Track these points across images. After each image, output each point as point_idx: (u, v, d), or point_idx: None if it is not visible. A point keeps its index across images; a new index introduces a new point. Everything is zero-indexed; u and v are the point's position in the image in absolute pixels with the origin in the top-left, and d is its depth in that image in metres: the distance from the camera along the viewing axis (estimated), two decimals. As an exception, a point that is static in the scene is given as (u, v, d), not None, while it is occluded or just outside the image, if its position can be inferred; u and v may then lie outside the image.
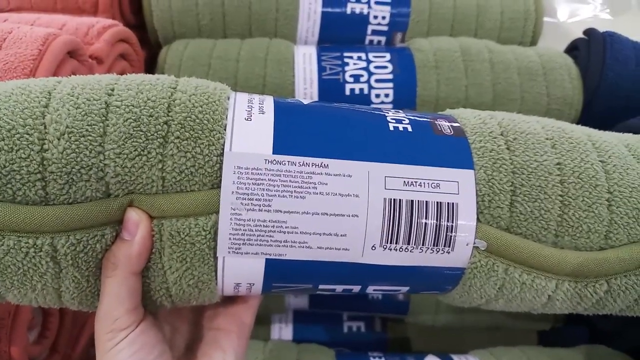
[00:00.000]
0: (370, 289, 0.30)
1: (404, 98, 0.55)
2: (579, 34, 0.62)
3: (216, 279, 0.27)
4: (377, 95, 0.55)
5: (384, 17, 0.59)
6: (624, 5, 0.80)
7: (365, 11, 0.58)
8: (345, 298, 0.54)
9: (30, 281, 0.26)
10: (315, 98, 0.54)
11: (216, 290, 0.28)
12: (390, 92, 0.54)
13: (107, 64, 0.48)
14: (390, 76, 0.55)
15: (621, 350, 0.47)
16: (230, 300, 0.32)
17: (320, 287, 0.29)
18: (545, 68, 0.56)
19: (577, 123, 0.58)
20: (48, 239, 0.25)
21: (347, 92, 0.54)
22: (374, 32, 0.60)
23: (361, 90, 0.54)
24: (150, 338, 0.27)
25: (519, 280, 0.29)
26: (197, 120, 0.27)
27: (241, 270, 0.27)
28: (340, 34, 0.59)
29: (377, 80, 0.55)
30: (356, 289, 0.30)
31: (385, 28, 0.60)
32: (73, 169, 0.25)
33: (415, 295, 0.52)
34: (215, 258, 0.26)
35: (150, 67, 0.57)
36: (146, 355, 0.27)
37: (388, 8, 0.59)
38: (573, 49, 0.62)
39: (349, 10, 0.58)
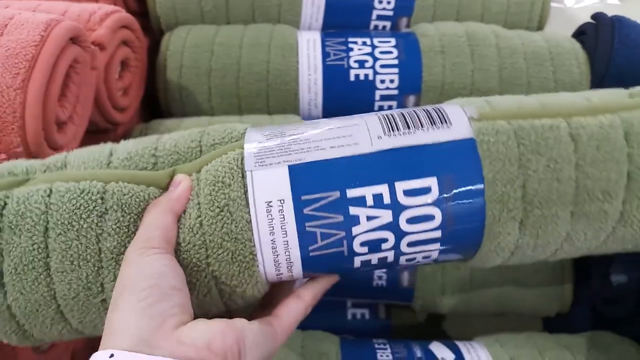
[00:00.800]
0: (399, 195, 0.30)
1: (410, 83, 0.54)
2: (585, 18, 0.61)
3: (246, 199, 0.29)
4: (382, 81, 0.54)
5: (389, 2, 0.58)
6: (632, -11, 0.79)
7: (369, -4, 0.58)
8: (349, 285, 0.54)
9: (78, 221, 0.29)
10: (320, 84, 0.54)
11: (249, 216, 0.29)
12: (396, 77, 0.54)
13: (109, 51, 0.48)
14: (395, 61, 0.54)
15: (628, 337, 0.47)
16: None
17: (349, 194, 0.29)
18: (552, 53, 0.56)
19: (584, 109, 0.57)
20: (101, 183, 0.30)
21: (352, 78, 0.54)
22: (379, 17, 0.59)
23: (366, 75, 0.54)
24: (177, 268, 0.28)
25: (530, 125, 0.31)
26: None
27: (269, 182, 0.30)
28: (344, 19, 0.59)
29: (382, 66, 0.54)
30: (386, 195, 0.30)
31: (390, 13, 0.59)
32: (132, 151, 0.32)
33: (421, 281, 0.52)
34: (244, 176, 0.30)
35: (153, 54, 0.57)
36: (172, 278, 0.27)
37: (392, -8, 0.58)
38: (580, 34, 0.61)
39: (353, -5, 0.58)
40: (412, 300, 0.54)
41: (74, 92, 0.42)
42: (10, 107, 0.36)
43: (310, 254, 0.30)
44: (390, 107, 0.55)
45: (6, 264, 0.29)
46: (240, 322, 0.27)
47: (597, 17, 0.59)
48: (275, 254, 0.30)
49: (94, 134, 0.51)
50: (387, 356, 0.44)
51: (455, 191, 0.30)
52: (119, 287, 0.26)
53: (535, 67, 0.55)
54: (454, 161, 0.30)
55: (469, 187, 0.30)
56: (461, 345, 0.46)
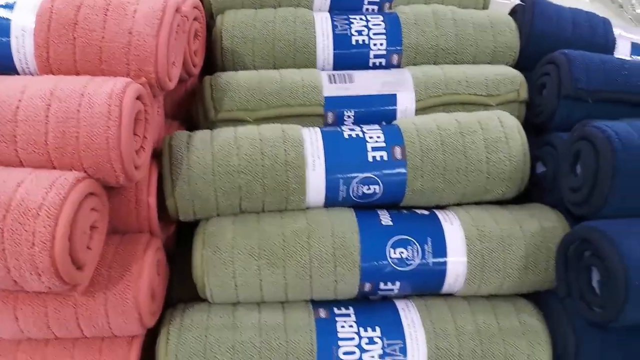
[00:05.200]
0: None
1: (393, 45, 0.77)
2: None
3: None
4: (375, 44, 0.77)
5: (375, -8, 0.82)
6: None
7: (362, -13, 0.81)
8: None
9: None
10: (331, 48, 0.76)
11: None
12: (384, 41, 0.77)
13: (189, 22, 0.69)
14: (383, 30, 0.77)
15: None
16: None
17: None
18: (492, 22, 0.79)
19: (516, 63, 0.81)
20: None
21: (353, 42, 0.77)
22: (370, 3, 0.82)
23: (363, 40, 0.77)
24: None
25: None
26: None
27: None
28: (345, 5, 0.81)
29: (374, 34, 0.77)
30: None
31: (377, 0, 0.82)
32: None
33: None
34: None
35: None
36: None
37: (378, -15, 0.81)
38: (513, 13, 0.85)
39: (350, -13, 0.81)
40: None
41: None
42: (149, 49, 0.57)
43: None
44: (380, 64, 0.78)
45: None
46: None
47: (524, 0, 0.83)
48: None
49: (178, 82, 0.72)
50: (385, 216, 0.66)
51: None
52: None
53: (481, 33, 0.78)
54: None
55: None
56: (438, 213, 0.67)
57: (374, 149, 0.65)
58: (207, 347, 0.57)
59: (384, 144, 0.65)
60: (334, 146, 0.65)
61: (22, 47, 0.57)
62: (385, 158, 0.65)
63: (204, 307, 0.62)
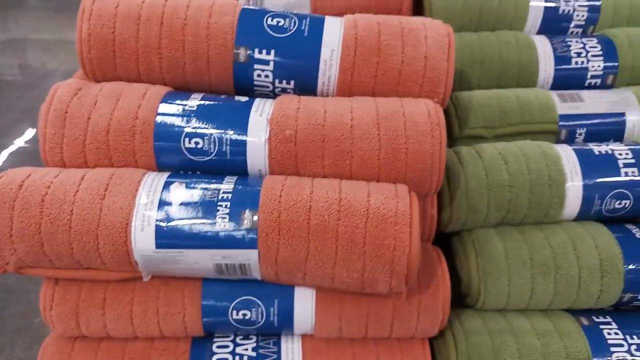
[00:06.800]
0: None
1: (610, 66, 0.81)
2: None
3: None
4: (592, 66, 0.81)
5: (582, 15, 0.85)
6: None
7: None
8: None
9: None
10: (552, 68, 0.80)
11: None
12: (601, 63, 0.81)
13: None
14: (600, 53, 0.81)
15: None
16: None
17: None
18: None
19: None
20: None
21: (573, 64, 0.81)
22: (575, 26, 0.86)
23: (582, 62, 0.81)
24: None
25: None
26: None
27: None
28: (552, 29, 0.86)
29: (592, 55, 0.81)
30: None
31: (582, 23, 0.86)
32: None
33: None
34: None
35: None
36: None
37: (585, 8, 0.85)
38: None
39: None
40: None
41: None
42: (441, 72, 0.62)
43: None
44: (595, 84, 0.82)
45: None
46: None
47: None
48: None
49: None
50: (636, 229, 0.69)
51: None
52: None
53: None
54: None
55: None
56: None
57: (626, 165, 0.69)
58: (495, 349, 0.61)
59: (633, 161, 0.69)
60: (588, 162, 0.69)
61: (329, 70, 0.62)
62: (636, 174, 0.68)
63: (472, 313, 0.66)
